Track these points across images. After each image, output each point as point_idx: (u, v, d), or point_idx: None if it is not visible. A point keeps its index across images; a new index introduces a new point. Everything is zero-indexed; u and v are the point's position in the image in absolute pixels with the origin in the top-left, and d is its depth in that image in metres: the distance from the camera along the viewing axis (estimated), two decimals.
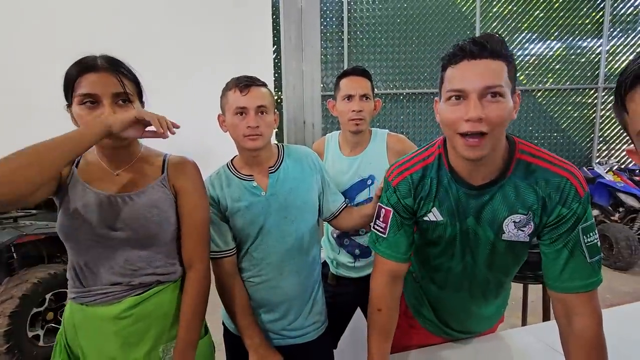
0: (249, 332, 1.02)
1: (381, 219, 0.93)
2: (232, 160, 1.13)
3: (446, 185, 0.85)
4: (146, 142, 0.94)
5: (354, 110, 1.27)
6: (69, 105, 0.82)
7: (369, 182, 1.33)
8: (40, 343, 2.18)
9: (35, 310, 2.15)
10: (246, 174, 1.07)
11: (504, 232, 0.83)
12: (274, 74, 3.23)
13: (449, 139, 0.78)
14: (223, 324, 1.17)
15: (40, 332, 2.20)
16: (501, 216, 0.81)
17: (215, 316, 1.16)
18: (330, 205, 1.16)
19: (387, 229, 0.91)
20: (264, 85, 1.05)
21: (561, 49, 4.41)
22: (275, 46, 2.96)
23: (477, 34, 4.23)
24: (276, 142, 1.17)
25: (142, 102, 0.89)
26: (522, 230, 0.82)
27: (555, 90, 4.46)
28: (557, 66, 4.41)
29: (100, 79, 0.78)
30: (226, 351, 1.18)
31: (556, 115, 4.50)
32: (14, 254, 2.24)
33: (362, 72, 1.32)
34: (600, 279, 0.77)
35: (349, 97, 1.29)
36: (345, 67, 3.61)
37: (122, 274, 0.84)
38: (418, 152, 0.91)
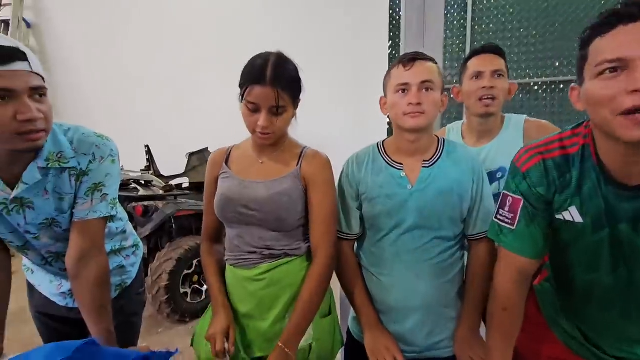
0: (364, 310, 1.02)
1: (507, 209, 0.82)
2: (383, 141, 1.05)
3: (595, 182, 0.71)
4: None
5: (484, 87, 1.13)
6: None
7: (499, 174, 1.18)
8: (188, 299, 2.67)
9: (185, 272, 2.64)
10: (396, 160, 0.99)
11: None
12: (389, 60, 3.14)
13: (604, 124, 0.64)
14: (348, 331, 1.13)
15: (188, 290, 2.69)
16: None
17: None
18: (471, 227, 0.99)
19: (517, 220, 0.80)
20: (432, 60, 0.95)
21: None
22: (391, 33, 2.92)
23: None
24: (436, 135, 1.05)
25: (295, 106, 0.96)
26: None
27: None
28: None
29: (263, 93, 0.88)
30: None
31: None
32: (173, 225, 2.78)
33: (495, 49, 1.18)
34: None
35: (478, 75, 1.16)
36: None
37: (257, 247, 0.99)
38: (556, 137, 0.78)
